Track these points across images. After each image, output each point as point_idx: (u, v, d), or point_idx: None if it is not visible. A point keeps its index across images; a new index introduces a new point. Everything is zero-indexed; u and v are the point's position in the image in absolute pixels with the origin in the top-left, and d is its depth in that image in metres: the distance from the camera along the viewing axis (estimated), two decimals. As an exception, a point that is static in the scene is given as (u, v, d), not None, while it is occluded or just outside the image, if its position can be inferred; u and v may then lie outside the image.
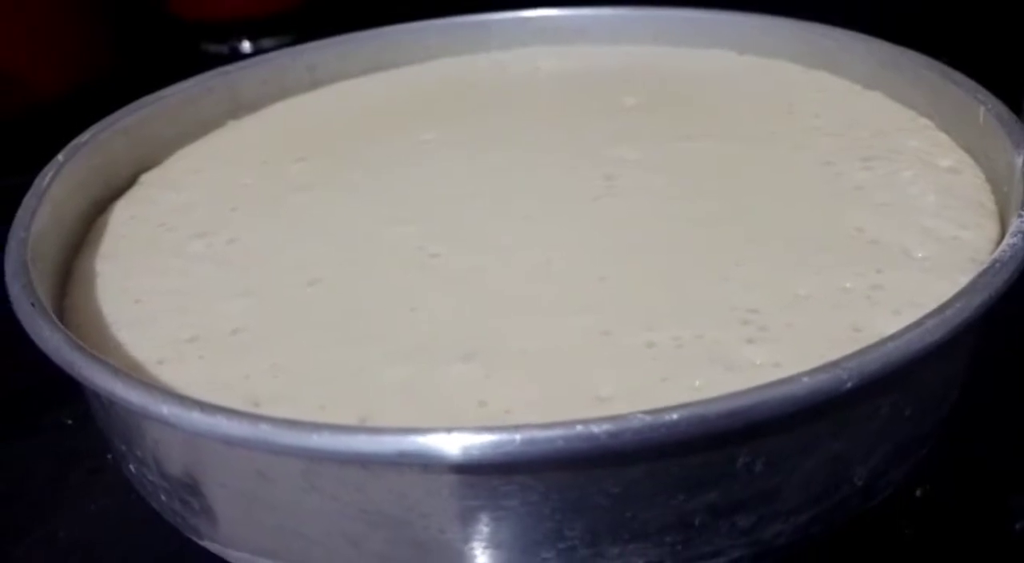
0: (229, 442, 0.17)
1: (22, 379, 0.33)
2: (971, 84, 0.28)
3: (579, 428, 0.16)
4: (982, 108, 0.26)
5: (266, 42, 0.58)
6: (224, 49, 0.59)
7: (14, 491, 0.29)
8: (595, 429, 0.16)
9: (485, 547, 0.18)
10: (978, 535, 0.24)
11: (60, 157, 0.28)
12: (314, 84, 0.37)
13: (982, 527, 0.24)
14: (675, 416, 0.16)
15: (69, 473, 0.29)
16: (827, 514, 0.20)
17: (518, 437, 0.16)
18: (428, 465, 0.17)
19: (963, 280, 0.20)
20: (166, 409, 0.17)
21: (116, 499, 0.27)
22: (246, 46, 0.59)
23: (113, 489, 0.27)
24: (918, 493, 0.24)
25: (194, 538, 0.21)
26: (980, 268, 0.20)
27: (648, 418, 0.16)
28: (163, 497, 0.21)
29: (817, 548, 0.21)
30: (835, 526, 0.21)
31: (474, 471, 0.17)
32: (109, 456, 0.25)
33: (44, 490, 0.28)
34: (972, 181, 0.26)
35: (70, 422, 0.30)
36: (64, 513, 0.27)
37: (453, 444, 0.16)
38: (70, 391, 0.22)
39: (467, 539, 0.18)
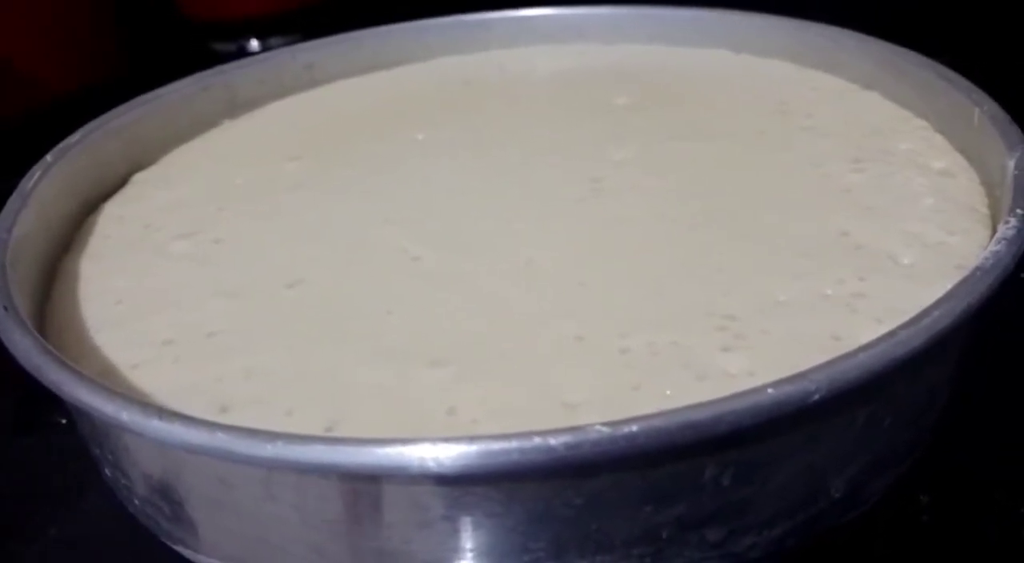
0: (187, 450, 0.17)
1: (18, 378, 0.33)
2: (966, 85, 0.27)
3: (536, 440, 0.15)
4: (977, 110, 0.26)
5: (274, 41, 0.59)
6: (232, 48, 0.59)
7: (7, 489, 0.29)
8: (552, 441, 0.15)
9: (449, 558, 0.18)
10: (975, 545, 0.23)
11: (49, 158, 0.28)
12: (312, 83, 0.37)
13: (979, 537, 0.24)
14: (634, 428, 0.15)
15: (62, 472, 0.29)
16: (804, 527, 0.19)
17: (475, 448, 0.16)
18: (386, 477, 0.16)
19: (949, 288, 0.19)
20: (126, 416, 0.17)
21: (106, 500, 0.27)
22: (254, 45, 0.59)
23: (104, 490, 0.27)
24: (923, 500, 0.24)
25: (168, 543, 0.21)
26: (965, 275, 0.19)
27: (606, 430, 0.15)
28: (136, 502, 0.21)
29: (804, 560, 0.21)
30: (813, 539, 0.20)
31: (434, 482, 0.17)
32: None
33: (37, 488, 0.29)
34: (966, 184, 0.26)
35: (64, 422, 0.30)
36: (57, 511, 0.28)
37: (411, 455, 0.16)
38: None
39: (431, 549, 0.18)
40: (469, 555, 0.18)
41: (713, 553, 0.19)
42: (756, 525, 0.19)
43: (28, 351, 0.19)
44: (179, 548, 0.21)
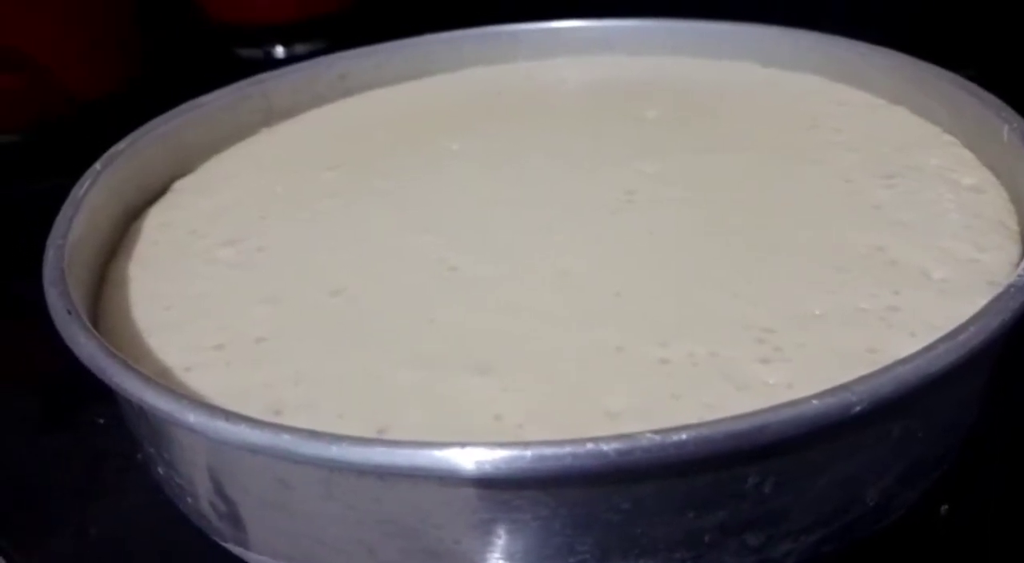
0: (252, 450, 0.17)
1: (58, 376, 0.34)
2: (996, 101, 0.28)
3: (589, 446, 0.16)
4: (1006, 126, 0.26)
5: (299, 47, 0.59)
6: (258, 54, 0.60)
7: (50, 484, 0.30)
8: (604, 447, 0.16)
9: (498, 559, 0.19)
10: (993, 555, 0.24)
11: (97, 165, 0.29)
12: (345, 92, 0.38)
13: (997, 547, 0.24)
14: (684, 436, 0.16)
15: (101, 470, 0.30)
16: (838, 534, 0.20)
17: (529, 453, 0.16)
18: (442, 478, 0.17)
19: (981, 303, 0.20)
20: (193, 417, 0.18)
21: (146, 498, 0.27)
22: (279, 51, 0.60)
23: (143, 488, 0.27)
24: (942, 511, 0.24)
25: (219, 541, 0.22)
26: (998, 292, 0.20)
27: (657, 437, 0.16)
28: (189, 500, 0.22)
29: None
30: (847, 545, 0.21)
31: (486, 485, 0.17)
32: (139, 456, 0.26)
33: (77, 486, 0.29)
34: (995, 201, 0.26)
35: (102, 421, 0.31)
36: (95, 509, 0.28)
37: (466, 459, 0.16)
38: (102, 391, 0.23)
39: (480, 550, 0.18)
40: (517, 556, 0.18)
41: (751, 558, 0.19)
42: (794, 531, 0.19)
43: (94, 354, 0.20)
44: (230, 546, 0.22)
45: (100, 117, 0.48)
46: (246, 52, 0.60)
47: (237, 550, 0.22)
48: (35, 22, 0.48)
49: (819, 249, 0.24)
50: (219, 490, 0.20)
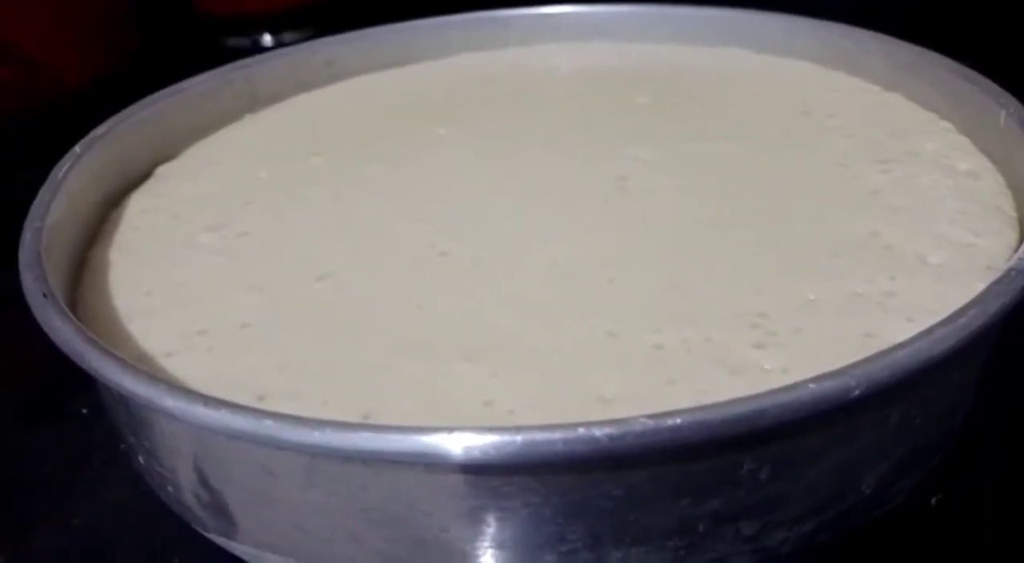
0: (233, 436, 0.17)
1: (40, 366, 0.33)
2: (993, 87, 0.27)
3: (581, 430, 0.16)
4: (1003, 112, 0.26)
5: (287, 36, 0.59)
6: (245, 42, 0.59)
7: (32, 477, 0.29)
8: (597, 432, 0.16)
9: (486, 547, 0.18)
10: (994, 545, 0.24)
11: (77, 149, 0.28)
12: (332, 78, 0.37)
13: (989, 536, 0.24)
14: (678, 421, 0.16)
15: (85, 462, 0.29)
16: (834, 522, 0.20)
17: (519, 438, 0.16)
18: (430, 464, 0.17)
19: (979, 288, 0.19)
20: (171, 402, 0.17)
21: (129, 489, 0.27)
22: (267, 40, 0.59)
23: (127, 479, 0.27)
24: (932, 502, 0.24)
25: (200, 530, 0.22)
26: (996, 276, 0.20)
27: (650, 422, 0.16)
28: (170, 489, 0.21)
29: (827, 556, 0.21)
30: (842, 534, 0.20)
31: (475, 471, 0.17)
32: (122, 446, 0.26)
33: (61, 478, 0.29)
34: (992, 186, 0.26)
35: (85, 411, 0.31)
36: (79, 501, 0.28)
37: (454, 444, 0.16)
38: (85, 381, 0.22)
39: (468, 538, 0.18)
40: (506, 545, 0.18)
41: (745, 547, 0.19)
42: (789, 519, 0.19)
43: (69, 338, 0.19)
44: (212, 536, 0.21)
45: (89, 106, 0.47)
46: (234, 42, 0.59)
47: (220, 540, 0.21)
48: (27, 9, 0.47)
49: (814, 234, 0.24)
50: (201, 479, 0.20)
